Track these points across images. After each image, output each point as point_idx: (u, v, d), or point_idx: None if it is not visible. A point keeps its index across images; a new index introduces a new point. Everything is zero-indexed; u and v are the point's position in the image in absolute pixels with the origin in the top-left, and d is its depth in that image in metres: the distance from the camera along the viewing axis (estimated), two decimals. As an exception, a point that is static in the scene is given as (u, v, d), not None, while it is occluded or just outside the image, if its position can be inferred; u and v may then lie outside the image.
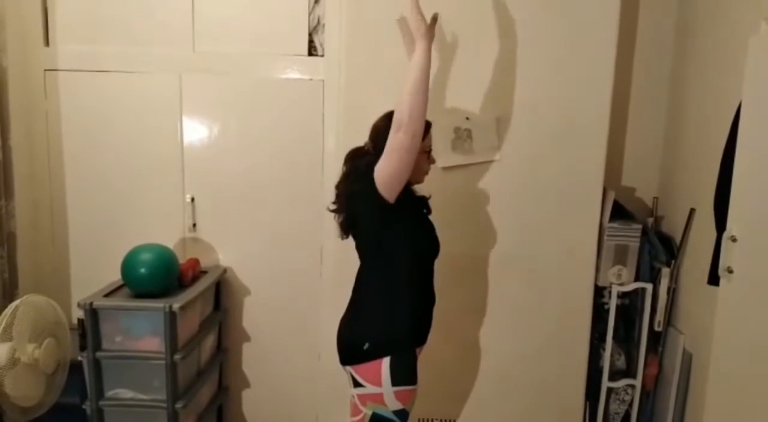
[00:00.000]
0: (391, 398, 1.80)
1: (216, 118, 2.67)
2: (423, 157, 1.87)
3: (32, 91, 2.65)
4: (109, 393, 2.28)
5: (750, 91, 1.97)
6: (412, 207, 1.89)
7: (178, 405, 2.25)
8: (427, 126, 1.85)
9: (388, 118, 1.83)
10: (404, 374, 1.81)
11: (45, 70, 2.65)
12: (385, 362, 1.78)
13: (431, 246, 1.93)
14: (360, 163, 1.85)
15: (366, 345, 1.81)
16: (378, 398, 1.80)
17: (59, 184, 2.71)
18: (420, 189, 1.99)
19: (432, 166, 2.03)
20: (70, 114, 2.68)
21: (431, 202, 2.00)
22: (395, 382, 1.79)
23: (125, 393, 2.29)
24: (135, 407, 2.28)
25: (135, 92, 2.66)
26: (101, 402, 2.27)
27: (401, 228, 1.82)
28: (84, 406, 2.29)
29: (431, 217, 1.98)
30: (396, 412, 1.81)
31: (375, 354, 1.80)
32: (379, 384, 1.79)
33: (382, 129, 1.83)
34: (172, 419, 2.25)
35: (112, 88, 2.66)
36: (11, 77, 2.51)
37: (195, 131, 2.67)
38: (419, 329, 1.91)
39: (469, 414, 2.77)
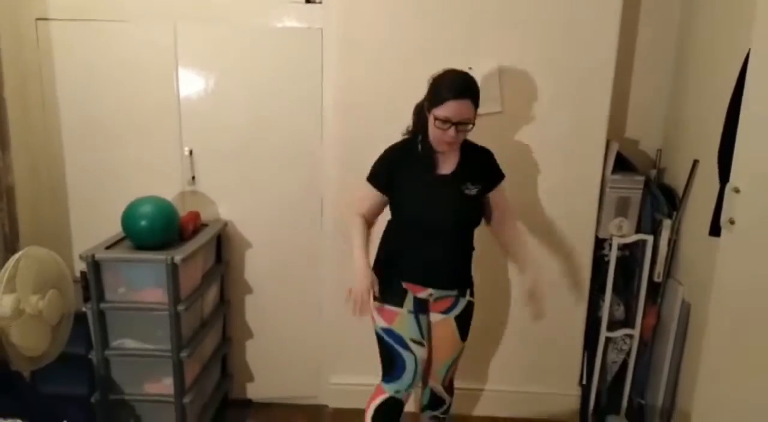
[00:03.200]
0: (376, 314, 2.10)
1: (213, 69, 2.61)
2: (436, 124, 1.91)
3: (24, 41, 2.58)
4: (114, 343, 2.32)
5: (759, 39, 1.92)
6: (410, 180, 2.03)
7: (183, 355, 2.28)
8: (445, 98, 1.88)
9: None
10: (384, 294, 2.06)
11: (36, 19, 2.58)
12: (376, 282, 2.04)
13: (420, 216, 2.04)
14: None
15: (372, 265, 2.07)
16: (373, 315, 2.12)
17: (56, 136, 2.67)
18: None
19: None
20: (64, 65, 2.62)
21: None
22: (375, 298, 2.06)
23: (130, 343, 2.32)
24: (140, 356, 2.32)
25: (129, 42, 2.59)
26: (107, 352, 2.30)
27: (401, 194, 2.05)
28: (90, 356, 2.32)
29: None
30: (384, 330, 2.09)
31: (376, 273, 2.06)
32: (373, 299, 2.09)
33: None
34: (177, 368, 2.29)
35: (105, 37, 2.59)
36: (1, 27, 2.45)
37: (191, 82, 2.62)
38: (408, 268, 2.09)
39: (469, 363, 2.82)
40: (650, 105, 2.81)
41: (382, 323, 2.10)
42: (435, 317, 2.17)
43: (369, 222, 2.12)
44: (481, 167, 2.07)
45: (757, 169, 1.92)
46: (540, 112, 2.53)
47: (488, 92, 2.47)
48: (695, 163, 2.51)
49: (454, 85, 1.89)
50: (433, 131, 1.94)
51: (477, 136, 2.50)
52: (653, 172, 2.75)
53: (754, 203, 1.93)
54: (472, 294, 2.19)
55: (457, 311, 2.15)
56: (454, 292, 2.14)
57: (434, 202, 2.02)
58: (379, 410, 2.11)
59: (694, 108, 2.59)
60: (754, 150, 1.93)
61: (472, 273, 2.19)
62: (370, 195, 2.09)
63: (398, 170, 2.05)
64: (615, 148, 2.57)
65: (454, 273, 2.13)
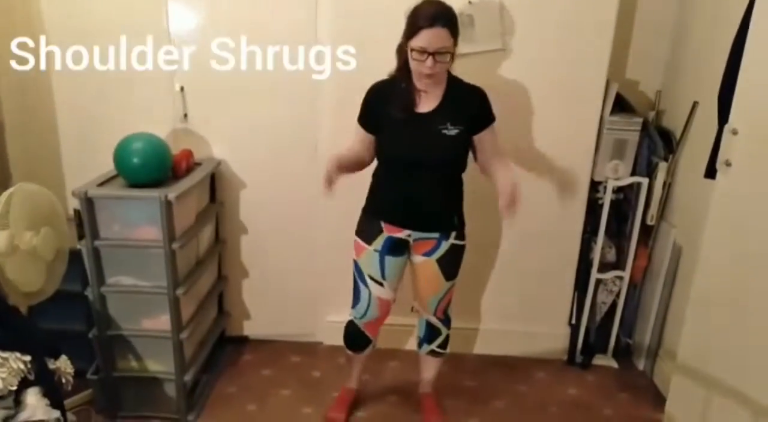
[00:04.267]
0: (354, 246, 2.20)
1: (203, 0, 2.52)
2: (414, 56, 1.89)
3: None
4: (109, 280, 2.32)
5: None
6: (389, 117, 2.02)
7: (179, 292, 2.30)
8: (419, 27, 1.85)
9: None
10: (359, 228, 2.19)
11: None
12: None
13: (395, 154, 2.06)
14: None
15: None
16: None
17: (45, 70, 2.59)
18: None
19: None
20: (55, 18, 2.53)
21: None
22: (355, 231, 2.19)
23: (126, 280, 2.33)
24: (136, 293, 2.34)
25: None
26: (103, 289, 2.31)
27: (381, 133, 2.07)
28: (86, 293, 2.34)
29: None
30: (354, 260, 2.22)
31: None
32: None
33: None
34: (173, 304, 2.31)
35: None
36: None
37: (182, 15, 2.53)
38: (385, 207, 2.14)
39: (462, 301, 2.86)
40: (652, 45, 2.75)
41: (354, 254, 2.22)
42: (417, 258, 2.19)
43: (367, 161, 2.15)
44: (467, 107, 2.01)
45: (757, 110, 1.90)
46: (540, 50, 2.47)
47: (489, 28, 2.41)
48: (694, 104, 2.48)
49: (428, 14, 1.86)
50: (413, 64, 1.93)
51: (477, 72, 2.45)
52: (652, 114, 2.72)
53: (752, 145, 1.92)
54: (459, 237, 2.16)
55: (438, 254, 2.14)
56: (435, 235, 2.13)
57: (410, 140, 2.01)
58: (345, 329, 2.36)
59: (696, 49, 2.54)
60: (756, 91, 1.91)
61: (459, 216, 2.16)
62: (361, 135, 2.11)
63: (380, 108, 2.03)
64: (614, 88, 2.53)
65: (434, 216, 2.12)
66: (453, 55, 1.92)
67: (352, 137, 2.13)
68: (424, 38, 1.84)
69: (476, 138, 2.05)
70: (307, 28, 2.52)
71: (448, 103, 2.01)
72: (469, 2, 2.35)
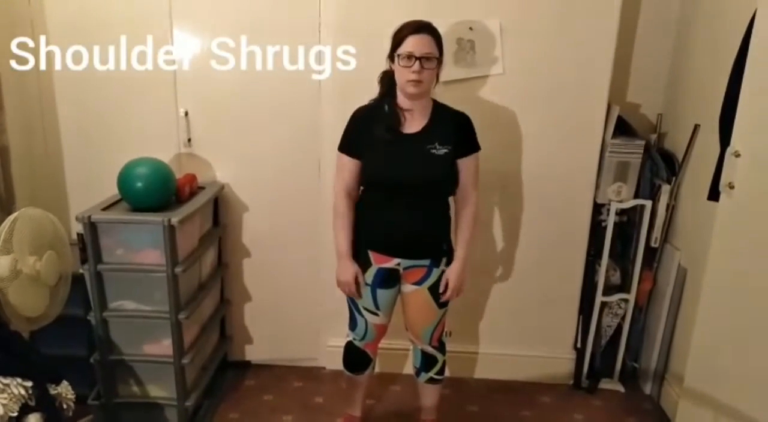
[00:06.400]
0: None
1: (208, 27, 2.55)
2: (401, 63, 1.92)
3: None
4: (112, 305, 2.32)
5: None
6: (374, 140, 2.01)
7: (181, 316, 2.29)
8: (404, 35, 1.91)
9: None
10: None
11: (25, -26, 2.51)
12: None
13: (382, 175, 2.03)
14: None
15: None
16: None
17: (49, 96, 2.62)
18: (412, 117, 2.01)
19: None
20: (57, 24, 2.55)
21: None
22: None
23: (128, 305, 2.33)
24: (139, 318, 2.33)
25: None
26: (105, 314, 2.31)
27: (366, 156, 2.04)
28: (88, 317, 2.33)
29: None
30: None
31: None
32: None
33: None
34: (175, 329, 2.30)
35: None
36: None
37: (187, 41, 2.56)
38: (372, 235, 2.10)
39: (467, 325, 2.85)
40: (652, 69, 2.78)
41: None
42: (407, 288, 2.16)
43: (355, 197, 2.12)
44: (454, 129, 2.03)
45: (759, 132, 1.90)
46: (541, 74, 2.50)
47: (490, 53, 2.43)
48: (696, 127, 2.49)
49: (413, 24, 1.93)
50: (399, 74, 1.94)
51: (478, 96, 2.49)
52: (653, 137, 2.73)
53: (755, 167, 1.92)
54: (449, 263, 2.13)
55: (429, 282, 2.12)
56: (426, 262, 2.10)
57: (397, 161, 2.00)
58: (345, 350, 2.35)
59: (696, 72, 2.56)
60: (757, 114, 1.92)
61: (448, 241, 2.15)
62: (345, 163, 2.08)
63: (365, 132, 2.03)
64: (616, 111, 2.54)
65: (423, 243, 2.09)
66: (440, 65, 1.97)
67: (338, 174, 2.11)
68: (411, 43, 1.90)
69: (459, 162, 2.06)
70: (308, 28, 2.53)
71: (436, 124, 2.02)
72: (470, 28, 2.38)
